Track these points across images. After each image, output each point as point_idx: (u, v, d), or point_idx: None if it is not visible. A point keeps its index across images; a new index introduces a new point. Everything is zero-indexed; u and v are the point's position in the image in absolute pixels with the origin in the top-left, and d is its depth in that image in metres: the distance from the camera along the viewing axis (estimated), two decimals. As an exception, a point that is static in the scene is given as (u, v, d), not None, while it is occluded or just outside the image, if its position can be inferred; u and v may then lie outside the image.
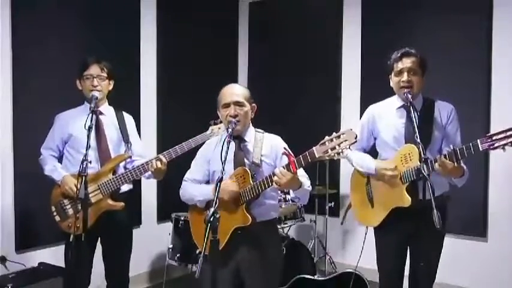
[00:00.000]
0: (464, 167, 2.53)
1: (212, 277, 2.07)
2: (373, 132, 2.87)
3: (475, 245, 4.01)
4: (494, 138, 2.26)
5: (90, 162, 2.62)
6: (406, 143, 2.66)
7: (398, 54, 2.68)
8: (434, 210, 2.19)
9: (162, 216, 4.47)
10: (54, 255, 3.33)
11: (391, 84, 2.75)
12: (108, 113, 3.01)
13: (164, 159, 2.80)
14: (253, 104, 2.54)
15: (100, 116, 2.91)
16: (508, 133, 2.24)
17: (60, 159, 2.99)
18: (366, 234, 2.94)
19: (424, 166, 2.34)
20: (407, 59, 2.65)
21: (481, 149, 2.30)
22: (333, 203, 4.39)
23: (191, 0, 4.78)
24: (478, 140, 2.30)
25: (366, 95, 4.45)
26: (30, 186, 3.34)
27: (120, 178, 2.83)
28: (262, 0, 5.30)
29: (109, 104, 3.05)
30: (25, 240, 3.51)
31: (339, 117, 4.76)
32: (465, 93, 3.90)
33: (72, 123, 2.92)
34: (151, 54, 4.46)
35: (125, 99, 3.87)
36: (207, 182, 2.63)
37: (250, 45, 5.37)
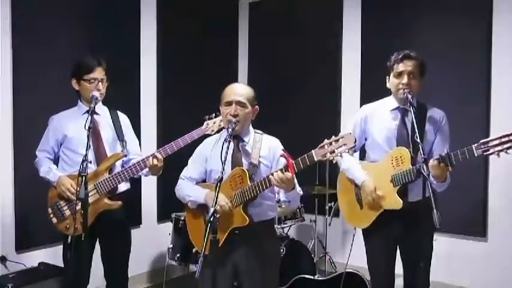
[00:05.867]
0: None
1: (212, 277, 2.08)
2: (364, 132, 2.85)
3: (475, 245, 4.00)
4: (489, 144, 2.25)
5: (91, 162, 2.62)
6: (397, 145, 2.65)
7: (400, 56, 2.65)
8: (434, 210, 2.20)
9: (162, 216, 4.48)
10: (54, 255, 3.32)
11: (388, 85, 2.74)
12: (102, 113, 3.00)
13: (160, 156, 2.79)
14: (256, 106, 2.53)
15: (95, 116, 2.87)
16: (503, 139, 2.22)
17: (55, 161, 2.97)
18: (354, 235, 2.99)
19: (424, 166, 2.34)
20: (408, 61, 2.62)
21: (476, 155, 2.29)
22: (333, 203, 4.39)
23: (191, 0, 4.78)
24: (473, 146, 2.29)
25: (365, 95, 4.45)
26: (30, 186, 3.33)
27: (117, 177, 2.82)
28: (262, 0, 5.30)
29: (104, 104, 3.03)
30: (25, 240, 3.51)
31: (339, 117, 4.76)
32: (465, 94, 3.90)
33: (67, 124, 2.91)
34: (152, 54, 4.46)
35: (125, 99, 3.89)
36: (204, 181, 2.64)
37: (250, 45, 5.37)
